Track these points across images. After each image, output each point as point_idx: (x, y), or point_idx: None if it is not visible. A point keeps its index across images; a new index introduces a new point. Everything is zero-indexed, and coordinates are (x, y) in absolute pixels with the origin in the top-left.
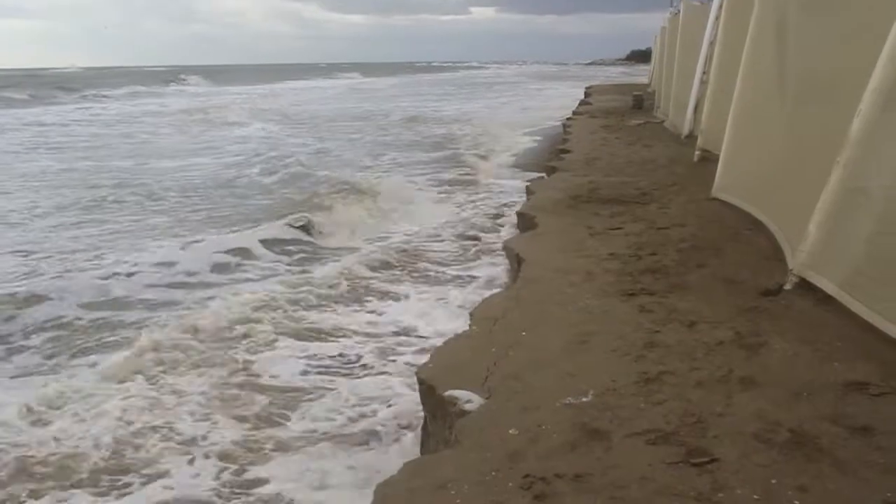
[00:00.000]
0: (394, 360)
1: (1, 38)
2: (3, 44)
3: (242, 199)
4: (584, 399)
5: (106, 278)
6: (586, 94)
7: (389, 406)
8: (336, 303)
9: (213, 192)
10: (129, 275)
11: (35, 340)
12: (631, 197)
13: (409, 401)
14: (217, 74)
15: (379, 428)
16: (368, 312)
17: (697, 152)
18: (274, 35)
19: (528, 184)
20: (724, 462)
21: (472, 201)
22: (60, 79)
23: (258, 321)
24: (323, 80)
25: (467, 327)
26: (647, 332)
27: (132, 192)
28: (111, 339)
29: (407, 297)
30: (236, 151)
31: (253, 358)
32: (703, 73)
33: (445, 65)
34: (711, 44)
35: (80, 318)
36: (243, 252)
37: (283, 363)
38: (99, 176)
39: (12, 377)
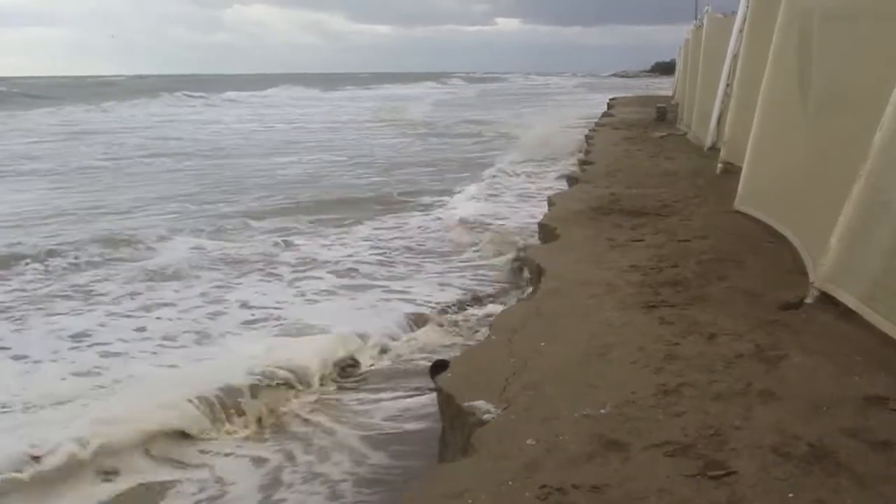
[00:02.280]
0: None
1: (34, 46)
2: (38, 52)
3: None
4: (603, 410)
5: None
6: (609, 106)
7: None
8: None
9: None
10: None
11: None
12: (653, 209)
13: None
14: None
15: None
16: None
17: (720, 164)
18: (299, 46)
19: (549, 196)
20: (742, 475)
21: None
22: (131, 85)
23: None
24: (403, 88)
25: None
26: (666, 345)
27: None
28: None
29: None
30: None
31: None
32: (727, 85)
33: (487, 76)
34: (735, 56)
35: None
36: None
37: None
38: None
39: None
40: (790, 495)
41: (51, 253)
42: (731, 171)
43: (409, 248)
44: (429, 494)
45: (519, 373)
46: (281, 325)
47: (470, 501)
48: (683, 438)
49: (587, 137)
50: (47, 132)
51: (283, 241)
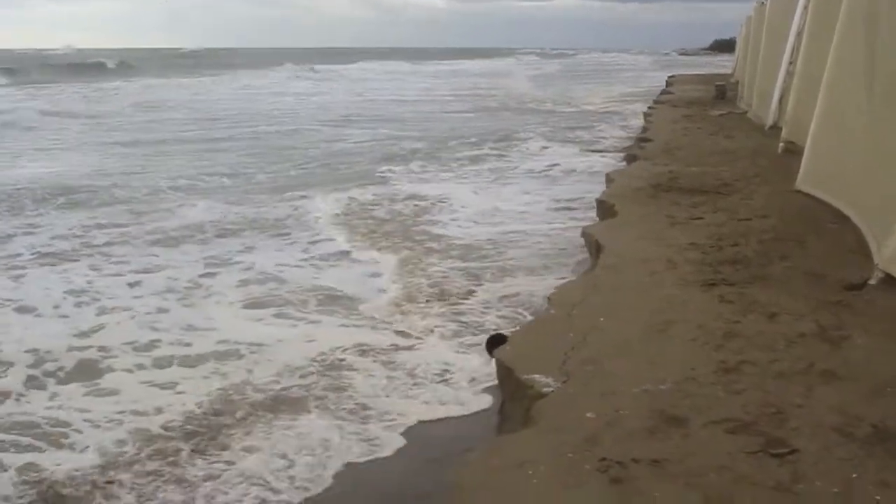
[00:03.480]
0: None
1: (92, 18)
2: (95, 24)
3: None
4: (663, 386)
5: None
6: (668, 84)
7: None
8: None
9: None
10: None
11: None
12: (712, 187)
13: None
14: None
15: None
16: None
17: (781, 144)
18: (351, 19)
19: (608, 172)
20: (803, 454)
21: None
22: (206, 57)
23: None
24: (483, 63)
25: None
26: (726, 323)
27: None
28: None
29: None
30: None
31: None
32: (790, 63)
33: (555, 52)
34: (799, 34)
35: None
36: None
37: None
38: None
39: None
40: (853, 475)
41: None
42: (793, 150)
43: None
44: (489, 465)
45: (578, 347)
46: None
47: (530, 472)
48: (744, 416)
49: (645, 115)
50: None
51: None
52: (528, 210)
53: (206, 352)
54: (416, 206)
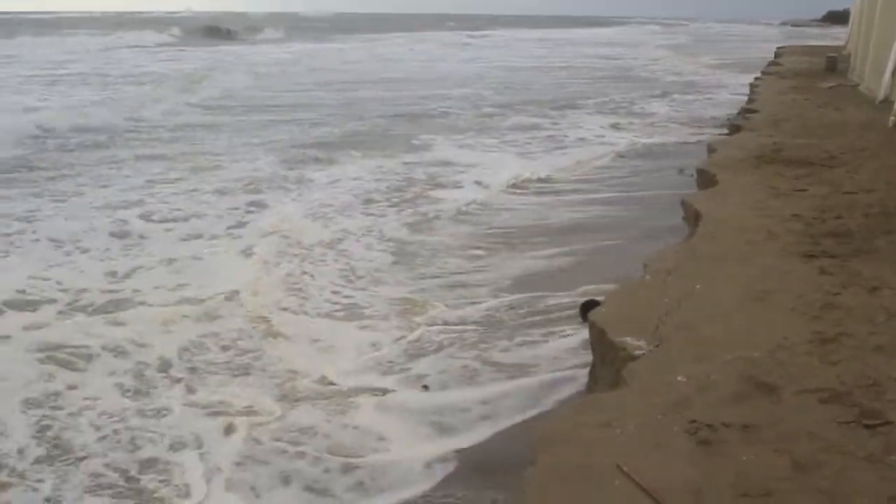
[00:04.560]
0: None
1: None
2: None
3: None
4: (756, 354)
5: None
6: (776, 55)
7: None
8: None
9: None
10: None
11: None
12: (818, 159)
13: None
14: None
15: None
16: None
17: (893, 118)
18: None
19: (710, 142)
20: None
21: None
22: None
23: None
24: (602, 31)
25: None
26: (825, 294)
27: None
28: None
29: None
30: None
31: None
32: None
33: (670, 20)
34: None
35: None
36: None
37: None
38: None
39: None
40: None
41: None
42: None
43: None
44: (577, 421)
45: (672, 312)
46: None
47: (618, 431)
48: (839, 386)
49: (752, 86)
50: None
51: None
52: None
53: None
54: None
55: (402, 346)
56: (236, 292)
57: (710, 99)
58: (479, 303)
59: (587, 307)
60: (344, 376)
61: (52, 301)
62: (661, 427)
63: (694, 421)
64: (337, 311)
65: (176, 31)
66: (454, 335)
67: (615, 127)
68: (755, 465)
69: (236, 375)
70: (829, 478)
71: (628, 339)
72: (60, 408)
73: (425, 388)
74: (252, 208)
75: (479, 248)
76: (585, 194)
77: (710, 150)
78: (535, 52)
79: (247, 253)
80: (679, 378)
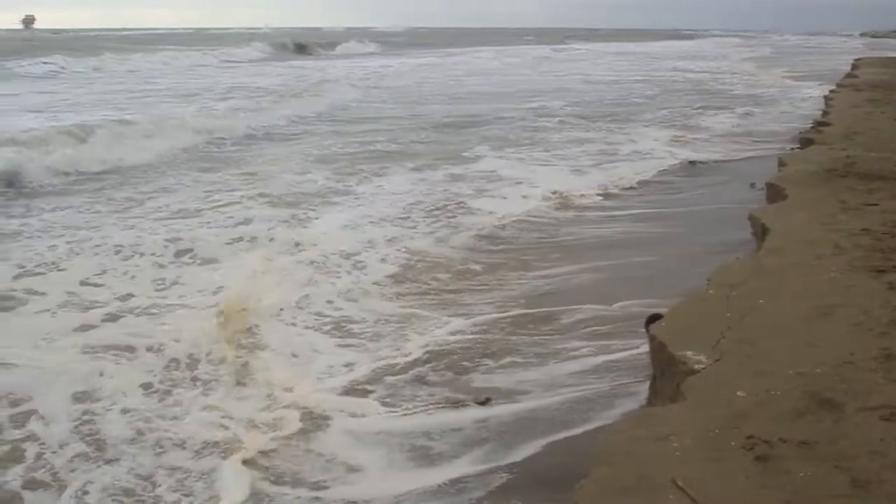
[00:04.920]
0: None
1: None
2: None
3: None
4: (819, 369)
5: None
6: (853, 67)
7: None
8: None
9: None
10: None
11: None
12: (891, 173)
13: None
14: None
15: None
16: None
17: None
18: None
19: (780, 155)
20: None
21: None
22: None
23: None
24: (684, 43)
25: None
26: (893, 310)
27: None
28: None
29: None
30: None
31: None
32: None
33: (742, 33)
34: None
35: None
36: None
37: None
38: None
39: None
40: None
41: None
42: None
43: None
44: (633, 434)
45: (735, 327)
46: None
47: (675, 444)
48: None
49: (826, 99)
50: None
51: None
52: None
53: None
54: None
55: (384, 365)
56: (237, 300)
57: (785, 112)
58: (478, 316)
59: (651, 320)
60: (314, 395)
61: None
62: (718, 442)
63: (751, 436)
64: (325, 324)
65: (264, 46)
66: (448, 349)
67: (677, 141)
68: (813, 481)
69: (206, 393)
70: (889, 496)
71: (688, 353)
72: (98, 399)
73: (487, 400)
74: (307, 214)
75: (501, 262)
76: (643, 209)
77: (781, 163)
78: (616, 66)
79: (265, 259)
80: (738, 393)
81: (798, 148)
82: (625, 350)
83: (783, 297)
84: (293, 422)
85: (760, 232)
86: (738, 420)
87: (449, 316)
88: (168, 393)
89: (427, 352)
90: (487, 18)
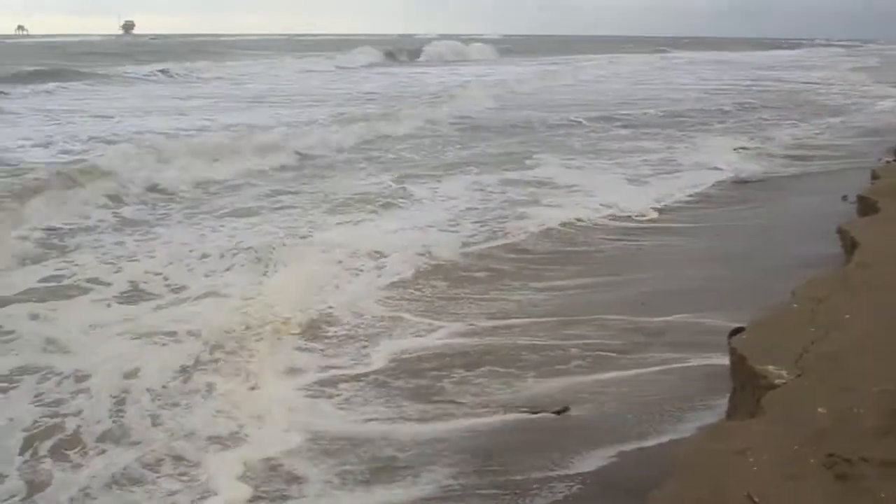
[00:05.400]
0: None
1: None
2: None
3: None
4: None
5: None
6: None
7: None
8: None
9: None
10: None
11: None
12: None
13: None
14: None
15: None
16: None
17: None
18: (607, 7)
19: (874, 168)
20: None
21: None
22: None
23: None
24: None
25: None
26: None
27: None
28: None
29: None
30: None
31: None
32: None
33: (845, 43)
34: None
35: None
36: None
37: None
38: None
39: None
40: None
41: None
42: None
43: None
44: (710, 448)
45: (818, 342)
46: None
47: (752, 459)
48: None
49: None
50: None
51: None
52: None
53: None
54: None
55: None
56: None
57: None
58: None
59: (734, 333)
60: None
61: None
62: (796, 458)
63: (832, 454)
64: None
65: (371, 51)
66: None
67: (761, 153)
68: (894, 502)
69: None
70: None
71: (770, 368)
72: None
73: (564, 409)
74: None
75: (528, 270)
76: (699, 223)
77: (874, 176)
78: (723, 75)
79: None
80: (819, 409)
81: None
82: (701, 361)
83: (870, 312)
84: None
85: (849, 245)
86: (819, 437)
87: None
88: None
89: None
90: (581, 27)
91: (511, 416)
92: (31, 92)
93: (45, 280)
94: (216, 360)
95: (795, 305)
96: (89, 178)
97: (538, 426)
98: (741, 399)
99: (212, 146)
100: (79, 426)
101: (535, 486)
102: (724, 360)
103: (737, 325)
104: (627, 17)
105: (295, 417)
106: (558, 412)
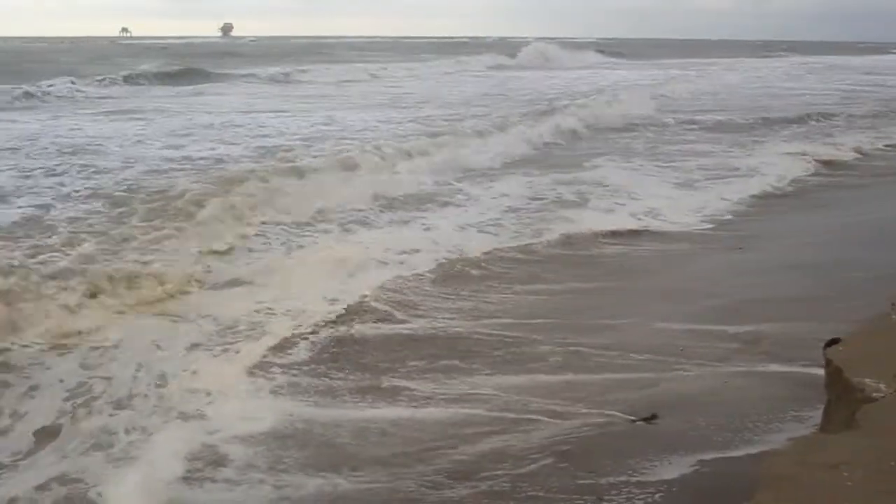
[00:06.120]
0: None
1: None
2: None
3: None
4: None
5: None
6: None
7: None
8: None
9: None
10: None
11: None
12: None
13: None
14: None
15: None
16: None
17: None
18: (703, 10)
19: None
20: None
21: None
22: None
23: None
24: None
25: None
26: None
27: None
28: None
29: None
30: None
31: None
32: None
33: None
34: None
35: None
36: None
37: None
38: None
39: None
40: None
41: None
42: None
43: None
44: (803, 460)
45: None
46: None
47: (845, 474)
48: None
49: None
50: None
51: None
52: None
53: None
54: None
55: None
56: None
57: None
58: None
59: (830, 344)
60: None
61: None
62: (892, 475)
63: None
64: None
65: (494, 55)
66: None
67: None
68: None
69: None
70: None
71: (867, 381)
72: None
73: (653, 417)
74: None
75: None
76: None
77: None
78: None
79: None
80: None
81: None
82: (790, 370)
83: None
84: None
85: None
86: None
87: None
88: None
89: None
90: (671, 31)
91: (598, 420)
92: (193, 91)
93: None
94: None
95: (894, 317)
96: None
97: (620, 431)
98: (835, 411)
99: None
100: None
101: (612, 492)
102: (814, 371)
103: (831, 336)
104: (720, 20)
105: None
106: (647, 419)
